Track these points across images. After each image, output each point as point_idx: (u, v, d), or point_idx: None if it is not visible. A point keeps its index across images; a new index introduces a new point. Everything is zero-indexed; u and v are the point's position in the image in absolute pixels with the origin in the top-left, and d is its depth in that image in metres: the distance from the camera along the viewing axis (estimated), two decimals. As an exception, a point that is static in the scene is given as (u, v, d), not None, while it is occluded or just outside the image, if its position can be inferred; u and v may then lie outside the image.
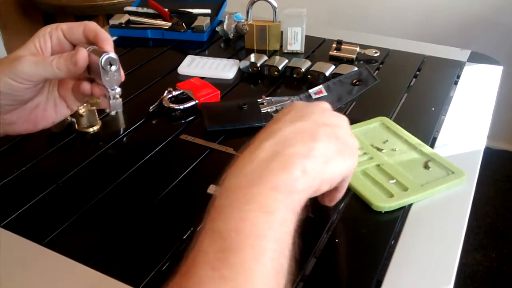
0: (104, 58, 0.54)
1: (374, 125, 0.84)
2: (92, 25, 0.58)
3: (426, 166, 0.73)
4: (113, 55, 0.55)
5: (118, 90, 0.61)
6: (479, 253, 1.64)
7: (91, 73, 0.58)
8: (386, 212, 0.66)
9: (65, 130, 0.84)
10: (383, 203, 0.66)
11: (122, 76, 0.60)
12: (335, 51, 1.11)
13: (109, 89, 0.59)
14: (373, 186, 0.69)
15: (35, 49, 0.58)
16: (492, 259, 1.63)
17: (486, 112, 0.91)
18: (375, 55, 1.09)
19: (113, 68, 0.55)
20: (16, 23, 2.44)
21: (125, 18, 1.26)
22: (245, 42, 1.17)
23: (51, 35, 0.58)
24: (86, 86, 0.59)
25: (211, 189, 0.70)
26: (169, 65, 1.09)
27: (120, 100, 0.62)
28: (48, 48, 0.58)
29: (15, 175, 0.75)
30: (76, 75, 0.57)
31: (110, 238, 0.63)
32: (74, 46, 0.59)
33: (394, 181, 0.70)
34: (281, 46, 1.15)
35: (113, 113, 0.82)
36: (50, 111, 0.62)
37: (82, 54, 0.54)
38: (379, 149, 0.77)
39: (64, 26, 0.58)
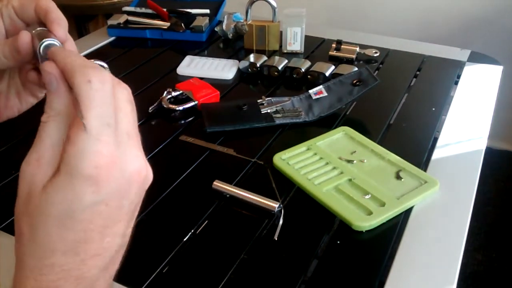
0: (42, 45, 0.42)
1: (338, 136, 0.82)
2: (44, 2, 0.48)
3: (398, 177, 0.72)
4: (54, 41, 0.43)
5: None
6: (480, 253, 1.64)
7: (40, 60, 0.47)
8: (387, 213, 0.66)
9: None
10: (363, 222, 0.64)
11: None
12: (334, 51, 1.10)
13: None
14: (349, 204, 0.67)
15: None
16: (493, 259, 1.62)
17: (486, 112, 0.91)
18: (375, 55, 1.09)
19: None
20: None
21: (123, 18, 1.26)
22: (244, 42, 1.16)
23: (2, 14, 0.50)
24: (32, 75, 0.50)
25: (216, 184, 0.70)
26: (168, 66, 1.09)
27: None
28: (1, 28, 0.50)
29: (13, 177, 0.74)
30: (23, 62, 0.49)
31: (110, 240, 0.62)
32: (28, 25, 0.51)
33: (369, 196, 0.68)
34: (281, 46, 1.15)
35: None
36: (13, 100, 0.54)
37: (24, 39, 0.45)
38: (349, 161, 0.75)
39: (15, 2, 0.50)
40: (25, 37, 0.46)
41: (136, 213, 0.36)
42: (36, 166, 0.33)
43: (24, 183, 0.34)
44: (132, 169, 0.33)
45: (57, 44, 0.43)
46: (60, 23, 0.47)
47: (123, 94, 0.34)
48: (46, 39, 0.43)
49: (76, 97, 0.32)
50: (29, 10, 0.49)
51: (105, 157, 0.31)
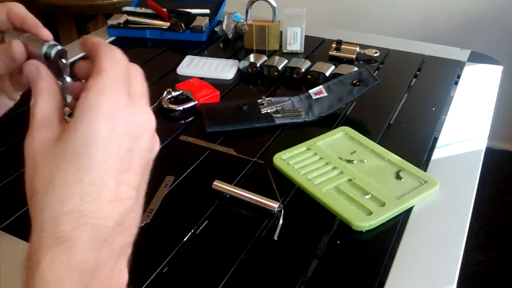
0: (53, 51, 0.47)
1: (338, 136, 0.82)
2: (17, 9, 0.50)
3: (398, 177, 0.71)
4: (59, 46, 0.47)
5: (69, 80, 0.50)
6: (480, 253, 1.64)
7: None
8: (387, 213, 0.66)
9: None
10: (363, 222, 0.64)
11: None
12: (335, 51, 1.10)
13: (59, 82, 0.49)
14: (349, 204, 0.67)
15: None
16: (493, 259, 1.62)
17: (486, 112, 0.91)
18: (375, 55, 1.09)
19: (64, 61, 0.47)
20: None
21: (123, 18, 1.26)
22: (244, 42, 1.16)
23: None
24: (25, 78, 0.50)
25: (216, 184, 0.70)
26: (168, 66, 1.09)
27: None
28: None
29: (13, 177, 0.74)
30: (16, 69, 0.50)
31: (110, 240, 0.62)
32: (1, 32, 0.52)
33: (369, 196, 0.68)
34: (281, 46, 1.15)
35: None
36: None
37: (18, 48, 0.48)
38: (349, 161, 0.75)
39: None
40: (19, 46, 0.48)
41: (147, 175, 0.38)
42: (38, 132, 0.35)
43: (29, 151, 0.35)
44: (143, 118, 0.36)
45: (65, 49, 0.48)
46: (40, 25, 0.50)
47: (136, 69, 0.40)
48: (54, 44, 0.48)
49: (97, 57, 0.37)
50: (1, 17, 0.50)
51: (121, 97, 0.35)
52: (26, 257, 0.33)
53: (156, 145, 0.39)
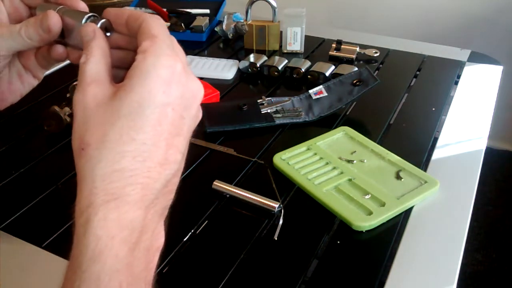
0: (99, 23, 0.45)
1: (338, 136, 0.82)
2: None
3: (398, 177, 0.71)
4: (103, 18, 0.45)
5: None
6: (480, 253, 1.64)
7: (68, 38, 0.49)
8: (387, 213, 0.66)
9: (63, 131, 0.83)
10: (363, 222, 0.64)
11: None
12: (335, 51, 1.10)
13: None
14: (349, 204, 0.67)
15: None
16: (493, 259, 1.62)
17: (486, 112, 0.91)
18: (375, 55, 1.09)
19: (108, 33, 0.45)
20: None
21: (123, 18, 1.26)
22: (244, 42, 1.16)
23: None
24: (59, 50, 0.50)
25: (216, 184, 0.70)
26: (168, 66, 1.08)
27: None
28: (3, 13, 0.50)
29: (13, 177, 0.74)
30: (48, 42, 0.49)
31: (110, 240, 0.62)
32: (30, 8, 0.51)
33: (369, 196, 0.68)
34: (281, 46, 1.15)
35: None
36: (16, 84, 0.54)
37: (54, 19, 0.47)
38: (349, 161, 0.75)
39: None
40: (55, 16, 0.47)
41: (187, 144, 0.38)
42: (90, 88, 0.35)
43: (81, 105, 0.35)
44: (195, 86, 0.37)
45: (109, 21, 0.47)
46: None
47: (175, 39, 0.38)
48: (95, 16, 0.46)
49: (145, 24, 0.37)
50: None
51: (178, 63, 0.35)
52: (75, 214, 0.33)
53: (199, 115, 0.39)
